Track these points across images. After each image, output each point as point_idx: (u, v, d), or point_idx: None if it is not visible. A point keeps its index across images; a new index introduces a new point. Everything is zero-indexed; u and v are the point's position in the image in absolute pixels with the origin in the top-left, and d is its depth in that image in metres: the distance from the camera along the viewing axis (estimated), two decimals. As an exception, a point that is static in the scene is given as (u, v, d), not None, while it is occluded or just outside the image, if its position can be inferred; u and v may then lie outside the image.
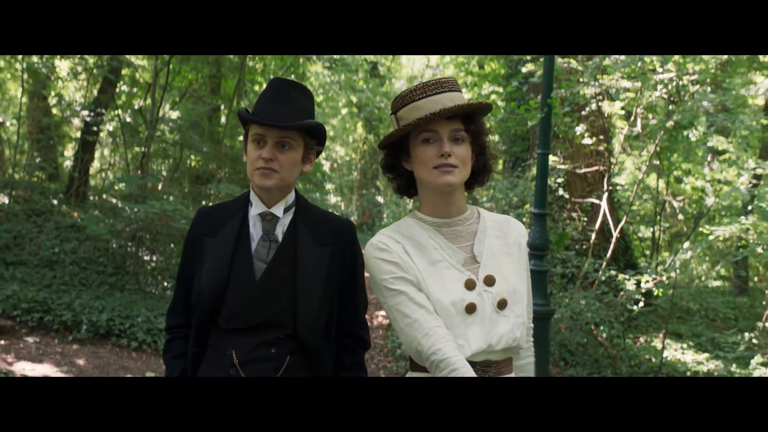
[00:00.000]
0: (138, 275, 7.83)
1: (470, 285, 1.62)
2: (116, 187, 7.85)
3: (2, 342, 5.38)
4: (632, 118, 6.65)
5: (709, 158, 14.25)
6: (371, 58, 20.72)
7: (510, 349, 1.64)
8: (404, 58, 22.99)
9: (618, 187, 7.80)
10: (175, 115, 13.16)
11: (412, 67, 23.39)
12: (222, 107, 14.13)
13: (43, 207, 9.93)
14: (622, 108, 6.74)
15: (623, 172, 12.67)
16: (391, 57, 21.28)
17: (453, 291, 1.60)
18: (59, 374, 4.99)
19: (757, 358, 6.18)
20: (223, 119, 13.80)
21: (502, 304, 1.62)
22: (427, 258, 1.64)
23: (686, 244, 9.18)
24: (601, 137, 7.14)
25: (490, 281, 1.64)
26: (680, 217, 12.51)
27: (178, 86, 13.41)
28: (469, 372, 1.49)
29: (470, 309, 1.59)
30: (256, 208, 1.86)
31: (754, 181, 10.45)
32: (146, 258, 8.58)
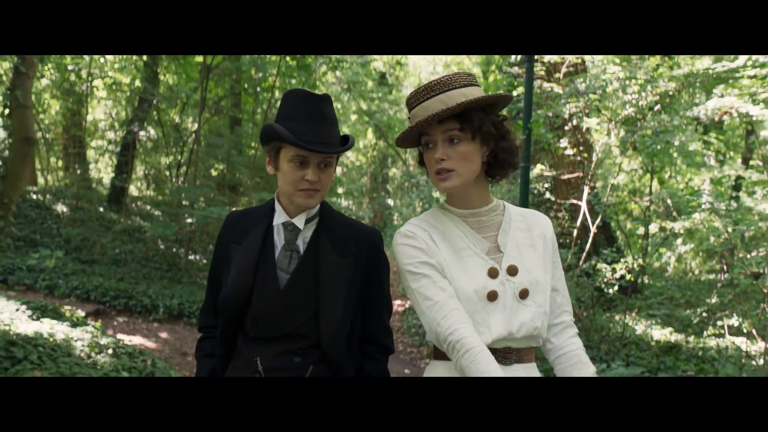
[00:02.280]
0: (189, 271, 9.43)
1: (493, 273, 1.68)
2: (182, 198, 9.42)
3: (100, 321, 6.98)
4: (606, 132, 8.18)
5: (707, 160, 15.73)
6: (380, 67, 22.30)
7: (531, 337, 1.70)
8: (411, 66, 24.61)
9: (595, 190, 9.31)
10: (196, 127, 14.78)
11: (419, 75, 24.99)
12: (244, 119, 15.74)
13: (96, 214, 11.57)
14: (599, 123, 8.28)
15: (621, 174, 14.23)
16: (398, 66, 22.79)
17: (476, 278, 1.67)
18: (150, 344, 6.57)
19: (710, 329, 7.71)
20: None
21: (523, 294, 1.68)
22: (452, 246, 1.71)
23: (679, 240, 10.71)
24: (581, 148, 8.67)
25: (512, 271, 1.70)
26: (674, 214, 14.03)
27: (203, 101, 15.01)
28: (485, 352, 1.56)
29: (492, 296, 1.66)
30: (279, 217, 1.89)
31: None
32: (191, 257, 10.19)
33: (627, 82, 7.32)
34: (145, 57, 13.05)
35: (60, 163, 16.62)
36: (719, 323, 7.67)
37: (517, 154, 1.75)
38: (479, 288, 1.65)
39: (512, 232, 1.76)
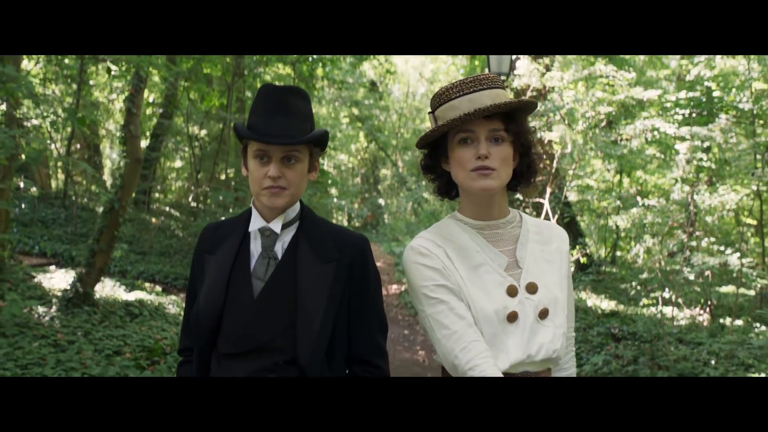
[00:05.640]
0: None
1: (512, 291, 1.61)
2: (220, 198, 11.52)
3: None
4: (563, 143, 10.58)
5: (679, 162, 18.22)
6: (371, 75, 24.57)
7: (549, 360, 1.64)
8: (399, 73, 26.89)
9: (556, 191, 11.66)
10: (203, 132, 16.95)
11: (407, 83, 27.36)
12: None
13: (132, 215, 13.78)
14: (558, 136, 10.66)
15: (593, 174, 16.72)
16: (387, 74, 25.05)
17: (495, 298, 1.60)
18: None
19: (644, 300, 10.10)
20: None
21: (543, 314, 1.62)
22: (468, 262, 1.64)
23: (647, 236, 13.14)
24: (544, 156, 11.05)
25: (532, 288, 1.63)
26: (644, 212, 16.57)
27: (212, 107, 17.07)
28: None
29: (512, 318, 1.59)
30: (255, 223, 1.81)
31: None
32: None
33: (577, 105, 9.70)
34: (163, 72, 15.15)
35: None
36: (652, 295, 9.98)
37: None
38: (499, 308, 1.59)
39: (530, 246, 1.70)
